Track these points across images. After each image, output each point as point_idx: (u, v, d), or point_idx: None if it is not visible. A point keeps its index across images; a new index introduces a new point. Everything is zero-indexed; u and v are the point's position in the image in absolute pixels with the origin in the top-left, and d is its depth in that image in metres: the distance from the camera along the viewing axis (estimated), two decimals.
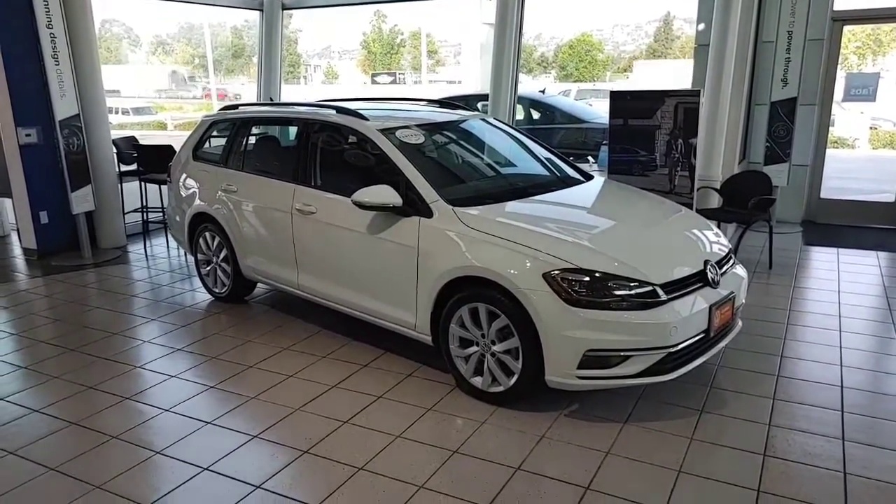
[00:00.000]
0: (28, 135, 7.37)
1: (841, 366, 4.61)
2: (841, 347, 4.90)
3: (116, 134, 8.56)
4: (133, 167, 8.21)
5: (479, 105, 10.24)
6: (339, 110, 5.15)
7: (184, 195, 6.22)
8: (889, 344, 5.01)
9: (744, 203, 6.61)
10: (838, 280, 6.45)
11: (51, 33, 7.00)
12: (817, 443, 3.66)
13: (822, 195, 9.05)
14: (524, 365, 3.87)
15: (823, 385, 4.33)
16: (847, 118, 16.61)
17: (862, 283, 6.39)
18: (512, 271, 3.81)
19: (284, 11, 11.37)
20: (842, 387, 4.30)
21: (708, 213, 6.45)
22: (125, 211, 8.30)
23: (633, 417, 3.96)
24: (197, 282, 6.57)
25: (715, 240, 4.49)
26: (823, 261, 7.16)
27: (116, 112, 23.31)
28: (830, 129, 9.05)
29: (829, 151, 9.08)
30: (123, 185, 8.23)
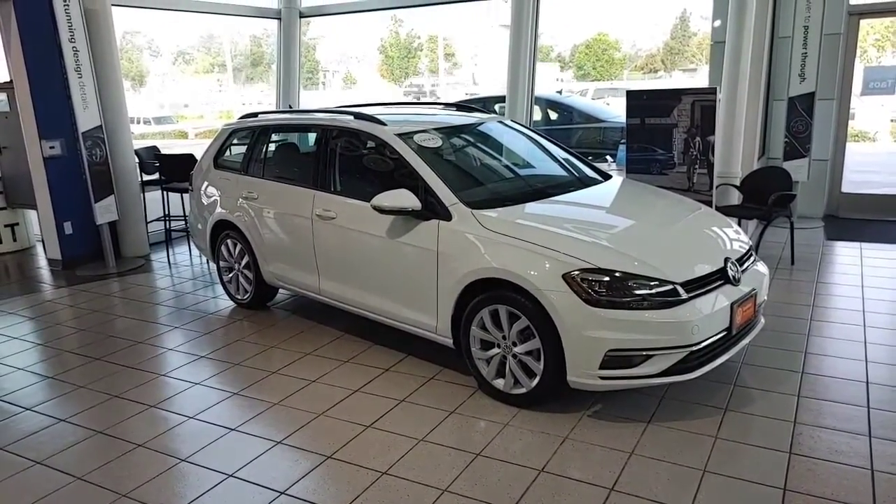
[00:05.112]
0: (52, 147, 7.47)
1: (866, 361, 4.56)
2: (866, 343, 4.86)
3: (138, 144, 8.66)
4: (155, 176, 8.29)
5: (497, 107, 10.24)
6: (357, 116, 5.18)
7: (205, 203, 6.28)
8: None
9: (764, 199, 6.56)
10: (861, 275, 6.38)
11: (73, 47, 7.09)
12: (843, 440, 3.63)
13: (844, 189, 8.96)
14: (546, 366, 3.87)
15: (849, 381, 4.29)
16: (867, 111, 16.43)
17: (886, 277, 6.31)
18: (531, 272, 3.82)
19: (302, 19, 11.44)
20: (867, 383, 4.26)
21: (728, 210, 6.40)
22: (148, 220, 8.39)
23: (656, 417, 3.94)
24: (219, 289, 6.62)
25: (735, 237, 4.47)
26: (846, 255, 7.10)
27: (138, 122, 23.50)
28: (850, 122, 8.96)
29: (850, 145, 9.00)
30: (146, 194, 8.32)
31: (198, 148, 7.48)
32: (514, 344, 4.01)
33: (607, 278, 3.70)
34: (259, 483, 3.49)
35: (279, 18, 11.27)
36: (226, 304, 6.37)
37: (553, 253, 3.83)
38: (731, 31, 6.75)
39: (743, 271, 4.14)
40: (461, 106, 6.32)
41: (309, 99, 12.82)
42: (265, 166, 5.83)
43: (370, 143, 5.10)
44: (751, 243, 4.55)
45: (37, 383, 4.86)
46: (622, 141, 7.71)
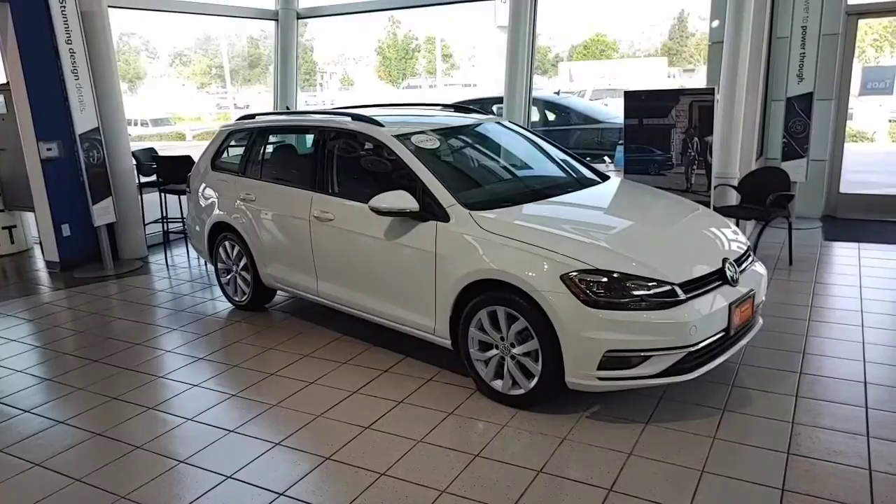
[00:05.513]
0: (49, 149, 7.46)
1: (864, 362, 4.56)
2: (864, 343, 4.86)
3: (136, 146, 8.65)
4: (153, 178, 8.29)
5: (494, 108, 10.25)
6: (355, 117, 5.18)
7: (203, 205, 6.27)
8: None
9: (762, 200, 6.56)
10: (860, 275, 6.38)
11: (70, 49, 7.09)
12: (841, 440, 3.63)
13: (842, 189, 8.97)
14: (544, 367, 3.87)
15: (847, 381, 4.29)
16: (865, 111, 16.46)
17: (884, 277, 6.32)
18: (529, 274, 3.82)
19: (299, 21, 11.44)
20: (865, 383, 4.26)
21: (726, 211, 6.41)
22: (146, 222, 8.38)
23: (654, 418, 3.94)
24: (217, 291, 6.62)
25: (733, 237, 4.47)
26: (844, 256, 7.10)
27: (135, 124, 23.51)
28: (848, 122, 8.97)
29: (848, 145, 9.01)
30: (143, 196, 8.31)
31: (195, 150, 7.48)
32: (513, 345, 4.01)
33: (605, 279, 3.70)
34: (258, 484, 3.49)
35: (276, 20, 11.28)
36: (224, 306, 6.36)
37: (551, 254, 3.83)
38: (730, 32, 6.76)
39: (741, 272, 4.15)
40: (459, 107, 6.32)
41: (306, 100, 12.83)
42: (263, 168, 5.83)
43: (368, 145, 5.10)
44: (749, 244, 4.55)
45: (35, 385, 4.85)
46: (620, 142, 7.72)
